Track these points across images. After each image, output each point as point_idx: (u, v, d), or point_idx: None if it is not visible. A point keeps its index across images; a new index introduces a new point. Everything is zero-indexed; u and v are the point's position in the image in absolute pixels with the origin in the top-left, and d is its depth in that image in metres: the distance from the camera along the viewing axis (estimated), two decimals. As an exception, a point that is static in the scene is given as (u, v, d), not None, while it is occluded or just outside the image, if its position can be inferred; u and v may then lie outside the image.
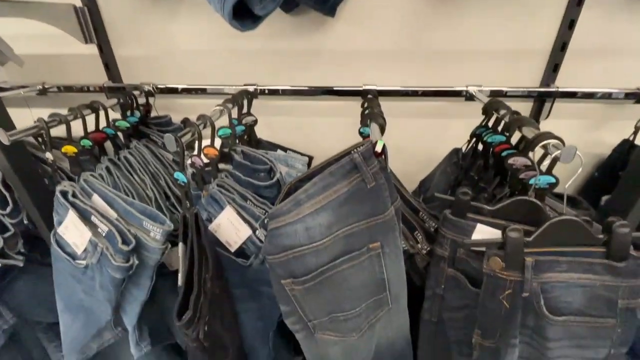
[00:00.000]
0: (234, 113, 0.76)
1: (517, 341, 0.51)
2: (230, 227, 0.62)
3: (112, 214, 0.66)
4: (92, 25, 0.87)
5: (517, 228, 0.47)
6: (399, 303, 0.57)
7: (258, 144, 0.88)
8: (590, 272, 0.47)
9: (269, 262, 0.49)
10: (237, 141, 0.75)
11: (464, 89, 0.82)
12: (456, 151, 0.80)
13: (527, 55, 0.83)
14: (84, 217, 0.64)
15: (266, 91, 0.88)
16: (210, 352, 0.53)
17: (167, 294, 0.89)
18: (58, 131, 0.69)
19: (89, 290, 0.69)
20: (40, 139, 0.73)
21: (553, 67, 0.82)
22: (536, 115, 0.87)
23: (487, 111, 0.69)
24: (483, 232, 0.55)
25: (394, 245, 0.52)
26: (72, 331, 0.76)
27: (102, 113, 0.75)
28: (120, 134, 0.82)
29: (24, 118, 0.72)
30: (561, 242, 0.48)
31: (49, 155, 0.64)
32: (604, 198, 0.83)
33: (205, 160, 0.64)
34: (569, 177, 0.52)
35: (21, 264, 0.75)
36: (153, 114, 0.93)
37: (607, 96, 0.79)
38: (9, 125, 0.66)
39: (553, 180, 0.51)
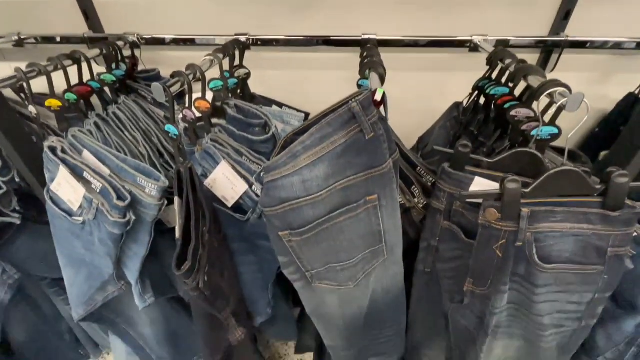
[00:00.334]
0: (226, 65, 0.72)
1: (507, 288, 0.53)
2: (226, 183, 0.61)
3: (105, 170, 0.65)
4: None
5: (516, 179, 0.47)
6: (394, 254, 0.58)
7: (252, 99, 0.85)
8: (585, 222, 0.48)
9: (266, 215, 0.49)
10: (230, 95, 0.72)
11: (469, 38, 0.78)
12: (457, 105, 0.77)
13: (537, 1, 0.78)
14: (76, 173, 0.63)
15: (259, 42, 0.83)
16: (211, 300, 0.55)
17: (167, 250, 0.91)
18: (38, 87, 0.65)
19: (88, 246, 0.70)
20: (22, 95, 0.70)
21: (564, 15, 0.77)
22: (542, 67, 0.83)
23: (491, 62, 0.66)
24: (481, 185, 0.54)
25: (391, 198, 0.52)
26: (76, 285, 0.78)
27: (84, 66, 0.71)
28: (107, 89, 0.78)
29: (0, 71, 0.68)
30: (559, 193, 0.48)
31: (32, 109, 0.61)
32: (603, 153, 0.82)
33: (197, 114, 0.61)
34: (571, 130, 0.51)
35: (18, 222, 0.75)
36: (140, 67, 0.88)
37: (618, 46, 0.75)
38: (-16, 77, 0.62)
39: (556, 130, 0.50)
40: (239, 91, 0.79)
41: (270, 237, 0.52)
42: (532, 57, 0.84)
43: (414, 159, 0.65)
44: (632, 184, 0.45)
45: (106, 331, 1.15)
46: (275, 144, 0.65)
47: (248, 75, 0.79)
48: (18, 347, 0.99)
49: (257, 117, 0.66)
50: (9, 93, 0.61)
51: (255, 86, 0.87)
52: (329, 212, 0.50)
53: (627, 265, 0.53)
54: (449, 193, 0.57)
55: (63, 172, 0.62)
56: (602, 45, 0.76)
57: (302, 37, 0.82)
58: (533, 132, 0.51)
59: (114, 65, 0.79)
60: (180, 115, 0.61)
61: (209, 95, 0.64)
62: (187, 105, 0.58)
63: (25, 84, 0.57)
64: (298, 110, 0.91)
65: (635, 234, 0.50)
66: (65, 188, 0.64)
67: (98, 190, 0.63)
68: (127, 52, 0.84)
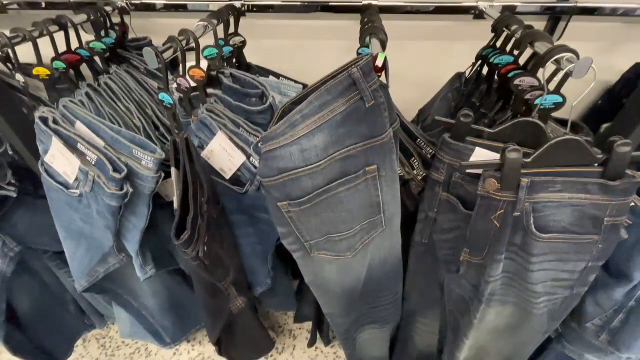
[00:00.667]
0: (220, 33, 0.69)
1: (503, 257, 0.54)
2: (224, 154, 0.60)
3: (99, 142, 0.63)
4: None
5: (517, 148, 0.46)
6: (392, 225, 0.59)
7: (248, 69, 0.82)
8: (583, 192, 0.48)
9: (264, 185, 0.49)
10: (225, 64, 0.70)
11: (474, 4, 0.74)
12: (459, 76, 0.75)
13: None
14: (70, 145, 0.62)
15: (254, 8, 0.79)
16: (211, 270, 0.56)
17: (166, 223, 0.91)
18: (23, 57, 0.62)
19: (86, 218, 0.70)
20: (9, 65, 0.67)
21: (575, -21, 0.73)
22: (548, 36, 0.80)
23: (497, 29, 0.64)
24: (481, 156, 0.54)
25: (390, 168, 0.52)
26: (77, 258, 0.79)
27: (72, 33, 0.68)
28: (97, 59, 0.75)
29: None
30: (560, 163, 0.47)
31: (19, 77, 0.59)
32: (604, 126, 0.82)
33: (192, 84, 0.59)
34: (574, 101, 0.50)
35: (14, 195, 0.74)
36: (130, 36, 0.85)
37: (629, 13, 0.72)
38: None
39: (560, 99, 0.49)
40: (234, 60, 0.77)
41: (269, 207, 0.52)
42: (538, 25, 0.81)
43: (414, 131, 0.64)
44: (634, 153, 0.44)
45: (110, 302, 1.18)
46: (272, 114, 0.64)
47: (244, 43, 0.76)
48: (24, 318, 1.01)
49: (254, 87, 0.64)
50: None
51: (250, 56, 0.84)
52: (328, 183, 0.49)
53: (622, 235, 0.54)
54: (448, 164, 0.57)
55: (56, 144, 0.61)
56: (612, 13, 0.73)
57: (299, 3, 0.78)
58: (537, 101, 0.50)
59: (103, 33, 0.75)
60: (175, 85, 0.59)
61: (204, 64, 0.62)
62: (181, 74, 0.56)
63: (10, 50, 0.55)
64: (296, 82, 0.88)
65: (632, 204, 0.50)
66: (59, 160, 0.63)
67: (93, 163, 0.62)
68: (116, 20, 0.80)
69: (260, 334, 1.04)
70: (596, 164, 0.47)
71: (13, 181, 0.75)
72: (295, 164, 0.47)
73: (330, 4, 0.77)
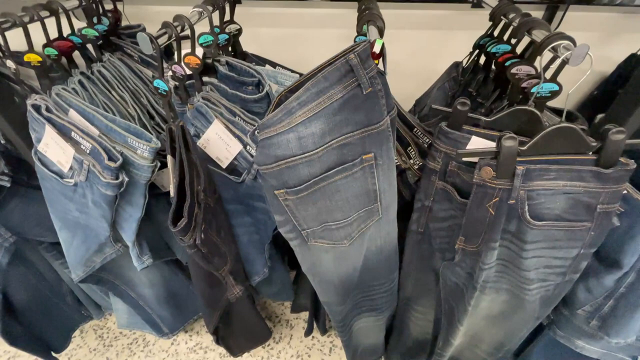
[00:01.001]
0: (215, 20, 0.68)
1: (497, 244, 0.55)
2: (220, 142, 0.60)
3: (94, 130, 0.63)
4: None
5: (513, 136, 0.47)
6: (388, 213, 0.59)
7: (244, 57, 0.81)
8: (577, 180, 0.48)
9: (261, 173, 0.49)
10: (221, 52, 0.69)
11: (472, -8, 0.74)
12: (456, 65, 0.75)
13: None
14: (64, 133, 0.61)
15: (250, -6, 0.78)
16: (208, 258, 0.56)
17: (162, 213, 0.91)
18: (11, 44, 0.60)
19: (82, 208, 0.70)
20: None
21: (572, -33, 0.73)
22: (545, 25, 0.80)
23: (494, 17, 0.63)
24: (477, 145, 0.54)
25: (387, 156, 0.52)
26: (73, 248, 0.79)
27: (63, 19, 0.66)
28: (89, 46, 0.74)
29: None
30: (555, 151, 0.48)
31: (10, 64, 0.57)
32: (599, 116, 0.82)
33: (187, 71, 0.59)
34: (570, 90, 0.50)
35: (8, 184, 0.74)
36: (124, 23, 0.83)
37: (628, 2, 0.72)
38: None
39: (556, 87, 0.49)
40: (229, 48, 0.76)
41: (267, 195, 0.52)
42: (536, 15, 0.80)
43: (411, 120, 0.64)
44: (628, 141, 0.45)
45: (107, 293, 1.18)
46: (269, 103, 0.64)
47: (239, 31, 0.75)
48: (21, 309, 1.01)
49: (250, 75, 0.64)
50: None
51: (246, 44, 0.83)
52: (325, 171, 0.49)
53: (614, 222, 0.54)
54: (445, 153, 0.57)
55: (50, 132, 0.60)
56: (609, 2, 0.73)
57: (296, -10, 0.77)
58: (533, 89, 0.50)
59: (95, 20, 0.74)
60: (170, 72, 0.58)
61: (199, 52, 0.61)
62: (176, 61, 0.55)
63: None
64: (292, 71, 0.88)
65: (624, 191, 0.51)
66: (53, 149, 0.62)
67: (88, 151, 0.62)
68: (108, 7, 0.79)
69: (257, 323, 1.05)
70: (590, 152, 0.48)
71: (7, 171, 0.74)
72: (292, 152, 0.46)
73: (327, -9, 0.76)
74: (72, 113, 0.62)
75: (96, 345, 1.30)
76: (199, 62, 0.58)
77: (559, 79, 0.52)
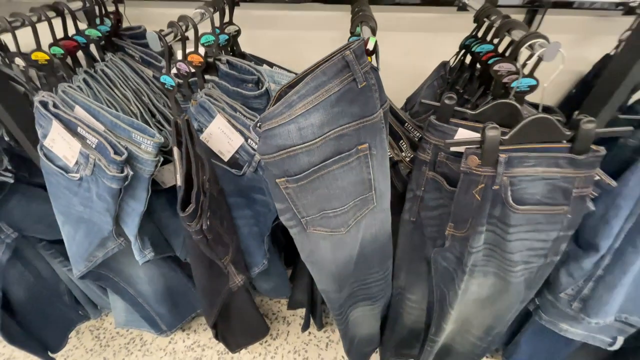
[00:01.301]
0: (216, 21, 0.71)
1: (484, 229, 0.59)
2: (222, 136, 0.63)
3: (99, 126, 0.65)
4: None
5: (495, 126, 0.51)
6: (382, 202, 0.63)
7: (243, 57, 0.84)
8: (554, 166, 0.53)
9: (264, 162, 0.52)
10: (221, 52, 0.72)
11: (458, -4, 0.79)
12: (444, 64, 0.80)
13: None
14: (70, 128, 0.63)
15: (248, -3, 0.81)
16: (212, 246, 0.59)
17: (163, 210, 0.94)
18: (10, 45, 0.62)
19: (86, 202, 0.72)
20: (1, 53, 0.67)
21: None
22: (526, 28, 0.86)
23: (478, 19, 0.68)
24: (464, 136, 0.58)
25: (381, 147, 0.55)
26: (75, 242, 0.80)
27: (68, 20, 0.68)
28: (93, 46, 0.76)
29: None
30: (533, 140, 0.52)
31: (19, 61, 0.60)
32: (576, 113, 0.88)
33: (191, 69, 0.62)
34: (549, 89, 0.55)
35: (11, 181, 0.75)
36: (125, 24, 0.86)
37: (599, 6, 0.78)
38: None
39: (534, 82, 0.54)
40: (229, 49, 0.79)
41: (269, 184, 0.55)
42: (517, 18, 0.86)
43: (402, 116, 0.68)
44: (598, 130, 0.50)
45: (104, 292, 1.18)
46: (268, 99, 0.67)
47: (238, 32, 0.79)
48: (18, 308, 1.01)
49: (250, 73, 0.67)
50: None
51: (243, 46, 0.86)
52: (323, 160, 0.53)
53: (589, 206, 0.59)
54: (434, 144, 0.61)
55: (56, 127, 0.62)
56: (583, 6, 0.79)
57: (292, -6, 0.81)
58: (513, 84, 0.55)
59: (98, 21, 0.76)
60: (174, 70, 0.61)
61: (201, 51, 0.64)
62: (180, 59, 0.58)
63: (9, 32, 0.56)
64: (289, 71, 0.91)
65: (597, 178, 0.56)
66: (59, 144, 0.64)
67: (94, 146, 0.64)
68: (109, 9, 0.81)
69: (255, 318, 1.07)
70: (565, 141, 0.52)
71: (10, 167, 0.75)
72: (293, 141, 0.50)
73: (322, -6, 0.80)
74: (78, 109, 0.64)
75: (93, 346, 1.30)
76: (201, 60, 0.61)
77: (538, 76, 0.57)
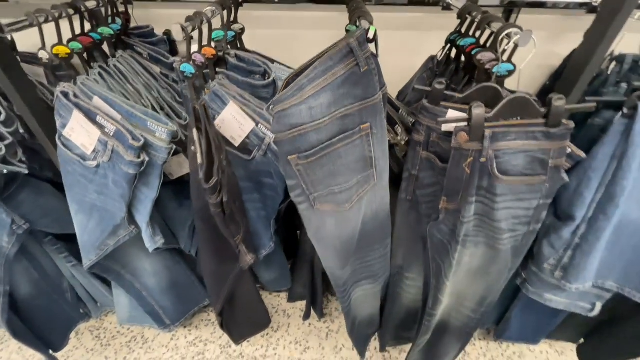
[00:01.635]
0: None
1: (474, 199, 0.66)
2: (234, 122, 0.68)
3: (117, 115, 0.69)
4: None
5: (481, 105, 0.58)
6: (382, 179, 0.69)
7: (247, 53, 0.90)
8: (532, 139, 0.60)
9: (277, 140, 0.57)
10: (229, 47, 0.78)
11: (442, -2, 0.87)
12: (432, 58, 0.88)
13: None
14: (90, 117, 0.67)
15: (251, -1, 0.87)
16: (227, 222, 0.63)
17: (170, 201, 0.97)
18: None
19: (101, 189, 0.75)
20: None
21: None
22: (503, 26, 0.95)
23: (461, 15, 0.76)
24: (453, 116, 0.65)
25: (381, 127, 0.62)
26: (87, 231, 0.83)
27: (73, 20, 0.73)
28: (106, 43, 0.80)
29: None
30: (514, 116, 0.60)
31: (43, 54, 0.64)
32: (550, 95, 0.97)
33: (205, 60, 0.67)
34: (526, 76, 0.63)
35: (26, 171, 0.78)
36: (132, 24, 0.90)
37: (565, 6, 0.88)
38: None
39: (512, 67, 0.62)
40: (237, 44, 0.85)
41: (281, 162, 0.61)
42: (495, 17, 0.96)
43: (396, 103, 0.75)
44: (567, 106, 0.57)
45: (107, 289, 1.20)
46: (275, 89, 0.73)
47: (242, 30, 0.85)
48: (23, 304, 1.02)
49: (257, 66, 0.73)
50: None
51: (245, 44, 0.92)
52: (330, 138, 0.59)
53: (564, 177, 0.67)
54: (427, 126, 0.68)
55: (77, 116, 0.66)
56: (553, 6, 0.89)
57: (290, -5, 0.88)
58: (494, 70, 0.62)
59: (109, 20, 0.81)
60: (175, 63, 0.66)
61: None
62: (197, 50, 0.64)
63: (36, 26, 0.60)
64: (288, 67, 0.98)
65: (569, 151, 0.64)
66: (78, 132, 0.68)
67: (112, 134, 0.68)
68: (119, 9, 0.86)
69: (259, 307, 1.10)
70: (540, 117, 0.60)
71: (24, 159, 0.78)
72: (304, 120, 0.56)
73: (318, -4, 0.87)
74: (97, 99, 0.69)
75: (93, 346, 1.30)
76: (214, 52, 0.66)
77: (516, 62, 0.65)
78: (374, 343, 1.28)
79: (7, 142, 0.73)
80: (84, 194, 0.77)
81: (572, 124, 0.58)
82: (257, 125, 0.68)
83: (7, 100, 0.71)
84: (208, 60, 0.68)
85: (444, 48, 0.84)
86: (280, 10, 0.95)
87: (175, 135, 0.78)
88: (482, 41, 0.73)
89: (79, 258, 1.08)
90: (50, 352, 1.11)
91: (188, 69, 0.60)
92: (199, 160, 0.57)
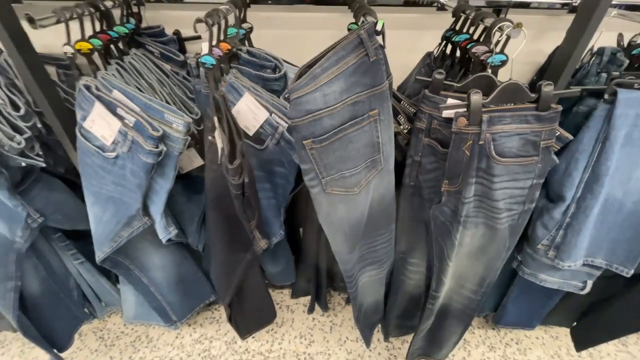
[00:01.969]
0: (231, 20, 0.82)
1: (474, 180, 0.71)
2: (249, 112, 0.72)
3: (135, 107, 0.73)
4: None
5: (478, 91, 0.64)
6: (388, 164, 0.74)
7: (255, 51, 0.95)
8: (525, 123, 0.66)
9: (294, 125, 0.62)
10: (240, 43, 0.82)
11: (436, -1, 0.94)
12: (429, 54, 0.94)
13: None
14: (110, 109, 0.70)
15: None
16: (245, 206, 0.67)
17: (179, 195, 1.00)
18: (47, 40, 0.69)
19: (118, 180, 0.78)
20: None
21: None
22: (492, 25, 1.02)
23: (456, 13, 0.83)
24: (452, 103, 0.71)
25: (387, 113, 0.67)
26: (102, 223, 0.85)
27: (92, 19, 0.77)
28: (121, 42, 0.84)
29: None
30: (508, 102, 0.66)
31: (67, 49, 0.67)
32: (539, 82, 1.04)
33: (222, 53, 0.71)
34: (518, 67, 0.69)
35: (43, 164, 0.80)
36: (144, 24, 0.94)
37: (548, 6, 0.96)
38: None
39: (505, 57, 0.68)
40: (246, 42, 0.89)
41: (296, 148, 0.65)
42: (485, 18, 1.03)
43: (398, 95, 0.81)
44: (555, 92, 0.64)
45: (113, 287, 1.21)
46: (286, 82, 0.77)
47: (251, 29, 0.90)
48: (31, 302, 1.02)
49: (268, 60, 0.77)
50: None
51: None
52: (342, 124, 0.63)
53: (554, 158, 0.73)
54: (428, 114, 0.74)
55: (98, 108, 0.70)
56: (538, 6, 0.96)
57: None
58: (488, 60, 0.69)
59: (123, 20, 0.85)
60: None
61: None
62: (214, 44, 0.68)
63: (63, 22, 0.63)
64: (293, 65, 1.03)
65: (557, 133, 0.70)
66: (99, 124, 0.71)
67: (131, 125, 0.71)
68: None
69: (267, 300, 1.13)
70: (532, 102, 0.66)
71: (40, 153, 0.80)
72: (319, 106, 0.60)
73: (320, -3, 0.93)
74: (116, 92, 0.72)
75: (97, 346, 1.30)
76: (229, 47, 0.71)
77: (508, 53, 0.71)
78: (377, 335, 1.31)
79: (25, 135, 0.76)
80: (101, 185, 0.79)
81: (560, 108, 0.65)
82: (270, 114, 0.72)
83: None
84: (224, 55, 0.72)
85: (440, 45, 0.90)
86: (284, 12, 1.00)
87: (189, 127, 0.82)
88: (475, 37, 0.80)
89: (86, 255, 1.10)
90: (55, 351, 1.11)
91: (209, 60, 0.64)
92: (220, 145, 0.60)
